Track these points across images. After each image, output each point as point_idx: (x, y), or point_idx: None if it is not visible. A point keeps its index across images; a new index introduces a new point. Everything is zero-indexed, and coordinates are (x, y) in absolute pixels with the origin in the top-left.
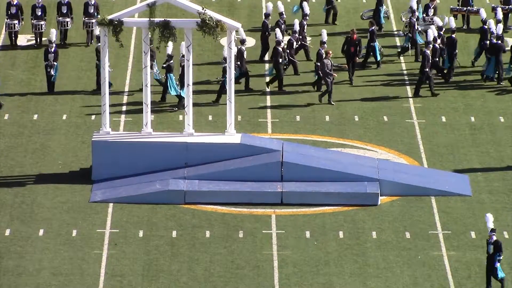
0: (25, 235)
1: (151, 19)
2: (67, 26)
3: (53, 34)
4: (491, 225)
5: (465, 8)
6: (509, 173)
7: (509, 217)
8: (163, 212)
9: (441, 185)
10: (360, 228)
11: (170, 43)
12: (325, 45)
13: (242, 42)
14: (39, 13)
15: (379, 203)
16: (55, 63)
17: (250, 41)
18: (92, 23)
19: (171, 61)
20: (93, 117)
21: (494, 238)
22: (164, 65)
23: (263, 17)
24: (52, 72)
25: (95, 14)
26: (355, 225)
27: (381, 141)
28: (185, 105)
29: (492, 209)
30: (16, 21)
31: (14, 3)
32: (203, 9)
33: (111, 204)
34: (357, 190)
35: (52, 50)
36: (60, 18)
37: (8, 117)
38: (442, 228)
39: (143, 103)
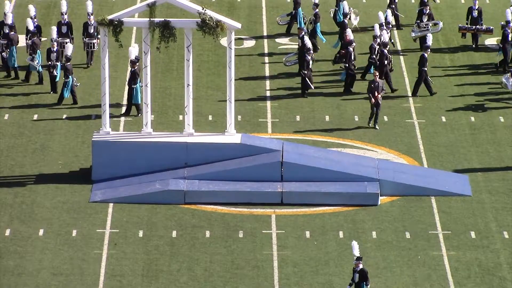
0: (25, 235)
1: (151, 19)
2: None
3: (54, 32)
4: (356, 253)
5: (474, 27)
6: (509, 173)
7: (509, 217)
8: (163, 212)
9: (441, 185)
10: (360, 228)
11: (70, 46)
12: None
13: (350, 43)
14: (33, 28)
15: (379, 203)
16: (58, 63)
17: (250, 42)
18: (93, 43)
19: (69, 63)
20: (93, 117)
21: (361, 266)
22: (62, 65)
23: (342, 17)
24: (55, 73)
25: (95, 34)
26: (355, 225)
27: (381, 141)
28: (185, 105)
29: (492, 209)
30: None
31: (7, 23)
32: (203, 9)
33: (111, 204)
34: (357, 190)
35: (54, 49)
36: (60, 38)
37: (8, 117)
38: (442, 228)
39: (143, 103)
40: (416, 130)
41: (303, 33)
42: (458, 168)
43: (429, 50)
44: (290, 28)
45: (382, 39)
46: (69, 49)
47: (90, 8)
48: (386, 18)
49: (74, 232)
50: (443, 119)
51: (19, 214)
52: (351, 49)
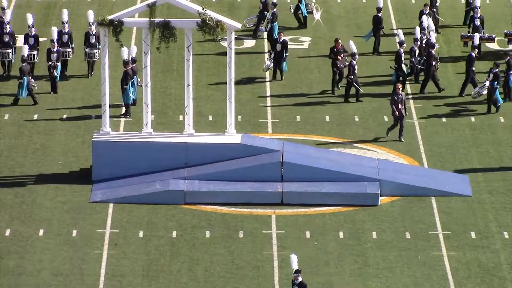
0: (25, 235)
1: (151, 19)
2: (68, 56)
3: (55, 33)
4: (295, 266)
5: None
6: (509, 173)
7: (509, 217)
8: (163, 212)
9: (441, 185)
10: (360, 228)
11: (26, 46)
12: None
13: (401, 44)
14: (32, 43)
15: (379, 203)
16: (58, 64)
17: (250, 42)
18: (94, 53)
19: (24, 64)
20: (93, 117)
21: (299, 279)
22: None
23: (376, 11)
24: (55, 73)
25: (97, 44)
26: (355, 225)
27: (381, 141)
28: (185, 105)
29: (492, 209)
30: (9, 50)
31: (7, 31)
32: (203, 9)
33: (111, 204)
34: (357, 190)
35: (55, 49)
36: (61, 48)
37: (8, 117)
38: (442, 228)
39: (143, 103)
40: (416, 130)
41: (283, 38)
42: (458, 168)
43: (476, 49)
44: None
45: (430, 41)
46: (25, 50)
47: (91, 18)
48: (421, 23)
49: (74, 232)
50: (443, 119)
51: (19, 214)
52: (402, 50)
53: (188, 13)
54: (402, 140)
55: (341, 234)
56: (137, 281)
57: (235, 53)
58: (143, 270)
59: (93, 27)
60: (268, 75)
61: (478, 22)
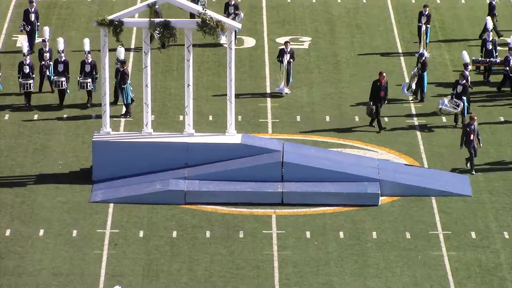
0: (25, 235)
1: (152, 19)
2: (62, 86)
3: (46, 32)
4: None
5: (487, 60)
6: (509, 173)
7: (509, 217)
8: (163, 212)
9: (441, 185)
10: (360, 228)
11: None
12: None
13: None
14: (27, 71)
15: (379, 203)
16: (51, 63)
17: (250, 42)
18: (87, 83)
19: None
20: (93, 117)
21: None
22: None
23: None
24: (48, 73)
25: (93, 72)
26: (355, 225)
27: (381, 141)
28: (186, 105)
29: (492, 209)
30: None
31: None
32: (203, 9)
33: (111, 204)
34: (357, 190)
35: (47, 49)
36: (56, 77)
37: (8, 117)
38: (442, 228)
39: (143, 103)
40: (416, 130)
41: (290, 47)
42: (458, 168)
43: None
44: None
45: None
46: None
47: (87, 47)
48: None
49: (74, 232)
50: (443, 119)
51: (19, 214)
52: None
53: (188, 13)
54: (473, 173)
55: (341, 234)
56: (137, 281)
57: (235, 53)
58: (143, 270)
59: (89, 56)
60: (268, 72)
61: (490, 46)
